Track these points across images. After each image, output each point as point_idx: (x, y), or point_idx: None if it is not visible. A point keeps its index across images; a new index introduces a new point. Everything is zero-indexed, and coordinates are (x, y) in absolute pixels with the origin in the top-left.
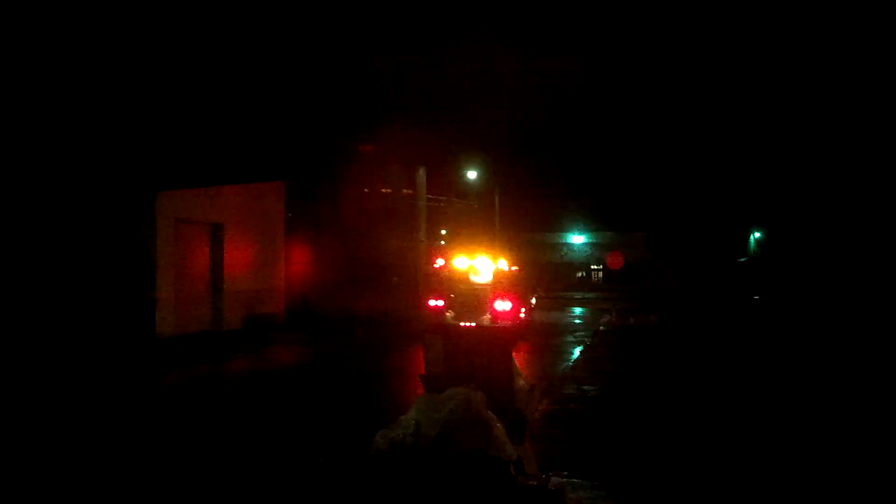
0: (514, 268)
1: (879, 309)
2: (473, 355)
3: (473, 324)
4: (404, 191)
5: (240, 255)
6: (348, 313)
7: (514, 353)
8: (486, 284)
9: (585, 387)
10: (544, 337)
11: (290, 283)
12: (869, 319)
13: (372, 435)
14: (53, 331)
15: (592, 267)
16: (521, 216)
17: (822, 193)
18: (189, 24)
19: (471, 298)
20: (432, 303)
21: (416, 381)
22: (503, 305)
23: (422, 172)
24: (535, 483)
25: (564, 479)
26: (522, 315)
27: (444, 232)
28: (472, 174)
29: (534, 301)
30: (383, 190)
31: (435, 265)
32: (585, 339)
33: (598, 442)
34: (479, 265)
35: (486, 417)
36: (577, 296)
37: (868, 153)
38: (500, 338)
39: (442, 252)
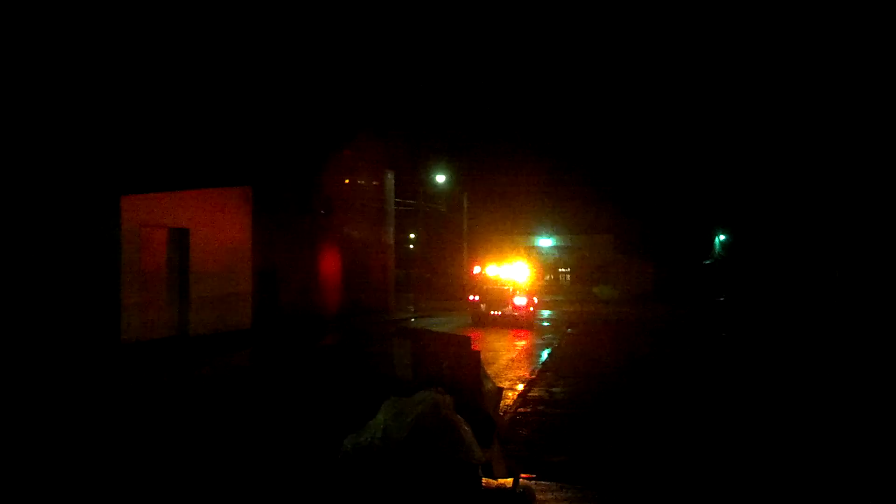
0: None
1: (840, 307)
2: (442, 358)
3: (500, 312)
4: (373, 194)
5: (206, 259)
6: (318, 317)
7: (481, 356)
8: (509, 285)
9: (554, 389)
10: (514, 339)
11: (259, 288)
12: (829, 318)
13: (340, 440)
14: (15, 336)
15: (560, 270)
16: (490, 219)
17: (786, 196)
18: (153, 27)
19: (498, 295)
20: (472, 297)
21: (384, 385)
22: (520, 300)
23: (390, 176)
24: (504, 486)
25: (533, 482)
26: (532, 309)
27: (413, 236)
28: (440, 178)
29: (536, 299)
30: (352, 193)
31: (473, 271)
32: (553, 342)
33: (567, 444)
34: (504, 272)
35: (455, 421)
36: (546, 299)
37: (830, 157)
38: (518, 322)
39: (478, 261)
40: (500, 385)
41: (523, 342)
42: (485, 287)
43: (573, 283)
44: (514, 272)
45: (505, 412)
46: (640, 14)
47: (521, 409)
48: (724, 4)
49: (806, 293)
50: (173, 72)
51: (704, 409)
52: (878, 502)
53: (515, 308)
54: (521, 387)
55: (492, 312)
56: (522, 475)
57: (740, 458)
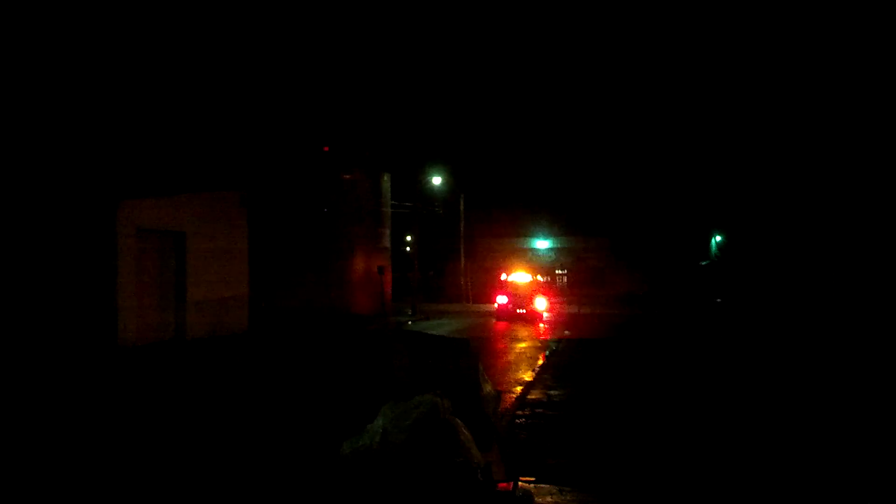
0: (540, 279)
1: (836, 308)
2: (440, 362)
3: (525, 310)
4: (369, 197)
5: (203, 263)
6: (315, 320)
7: (481, 360)
8: (529, 288)
9: (552, 392)
10: (512, 342)
11: (255, 291)
12: (826, 319)
13: (338, 444)
14: (12, 339)
15: (557, 272)
16: (487, 222)
17: (781, 196)
18: (149, 35)
19: (521, 296)
20: (499, 298)
21: (383, 388)
22: (539, 300)
23: (386, 179)
24: (503, 489)
25: (532, 485)
26: (546, 306)
27: (409, 238)
28: (437, 180)
29: (549, 299)
30: (348, 196)
31: (501, 278)
32: (551, 345)
33: (565, 447)
34: (526, 278)
35: (454, 424)
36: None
37: (826, 159)
38: (537, 318)
39: (504, 271)
40: (499, 388)
41: (523, 344)
42: (511, 290)
43: (570, 285)
44: (532, 278)
45: (504, 415)
46: (635, 15)
47: (519, 412)
48: (718, 6)
49: (803, 294)
50: (169, 79)
51: (702, 409)
52: None
53: (536, 306)
54: (519, 389)
55: (517, 310)
56: (522, 478)
57: (738, 462)
